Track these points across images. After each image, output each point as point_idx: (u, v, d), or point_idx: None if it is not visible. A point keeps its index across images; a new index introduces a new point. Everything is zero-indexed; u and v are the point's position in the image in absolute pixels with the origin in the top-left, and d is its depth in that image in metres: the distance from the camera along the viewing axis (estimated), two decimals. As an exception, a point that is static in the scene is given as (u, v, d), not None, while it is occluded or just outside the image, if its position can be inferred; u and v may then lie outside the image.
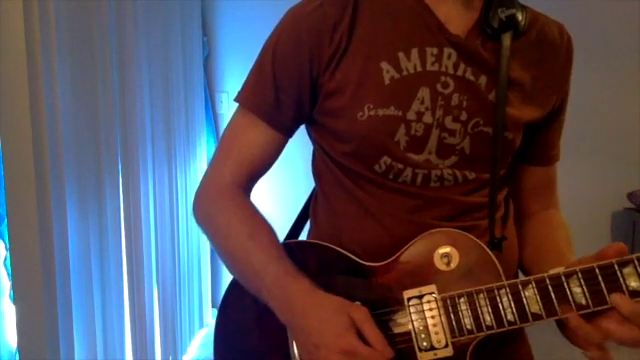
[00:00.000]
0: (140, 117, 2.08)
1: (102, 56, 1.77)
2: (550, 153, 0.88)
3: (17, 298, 1.40)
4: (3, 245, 1.44)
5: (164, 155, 2.38)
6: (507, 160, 0.80)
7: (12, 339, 1.44)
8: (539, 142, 0.86)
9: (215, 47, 3.13)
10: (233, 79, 3.09)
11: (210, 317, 3.12)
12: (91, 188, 1.72)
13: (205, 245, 3.06)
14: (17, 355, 1.42)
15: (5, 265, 1.45)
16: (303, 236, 0.92)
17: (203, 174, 0.87)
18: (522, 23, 0.77)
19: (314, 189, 0.90)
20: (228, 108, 3.12)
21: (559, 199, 0.91)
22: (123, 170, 1.95)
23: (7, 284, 1.46)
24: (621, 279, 0.61)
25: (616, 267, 0.62)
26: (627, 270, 0.61)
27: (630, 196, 3.01)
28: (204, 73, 3.08)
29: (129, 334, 2.01)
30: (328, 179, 0.83)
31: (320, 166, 0.85)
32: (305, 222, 0.93)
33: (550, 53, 0.82)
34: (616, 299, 0.61)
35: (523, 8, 0.80)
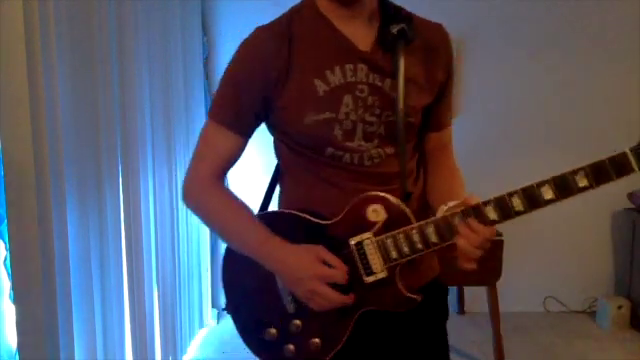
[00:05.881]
0: (140, 117, 2.08)
1: (102, 56, 1.77)
2: (441, 121, 1.16)
3: (17, 298, 1.40)
4: (3, 245, 1.44)
5: (164, 155, 2.39)
6: (412, 136, 1.09)
7: (12, 339, 1.44)
8: (433, 115, 1.13)
9: (215, 47, 3.13)
10: (233, 79, 3.09)
11: (210, 317, 3.12)
12: (91, 188, 1.72)
13: (205, 245, 3.06)
14: (17, 355, 1.42)
15: (5, 265, 1.45)
16: (274, 201, 1.20)
17: (186, 168, 1.12)
18: (410, 33, 1.02)
19: (277, 164, 1.17)
20: (228, 108, 3.12)
21: (453, 151, 1.22)
22: (123, 170, 1.95)
23: (7, 284, 1.46)
24: (484, 214, 0.95)
25: (482, 207, 0.95)
26: (487, 208, 0.95)
27: (630, 196, 3.01)
28: (204, 74, 3.08)
29: (129, 334, 2.01)
30: (288, 158, 1.10)
31: (281, 149, 1.11)
32: (274, 190, 1.20)
33: (433, 49, 1.08)
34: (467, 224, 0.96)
35: (409, 17, 1.04)
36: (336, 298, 0.98)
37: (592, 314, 3.17)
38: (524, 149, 3.17)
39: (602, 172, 0.89)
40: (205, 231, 3.04)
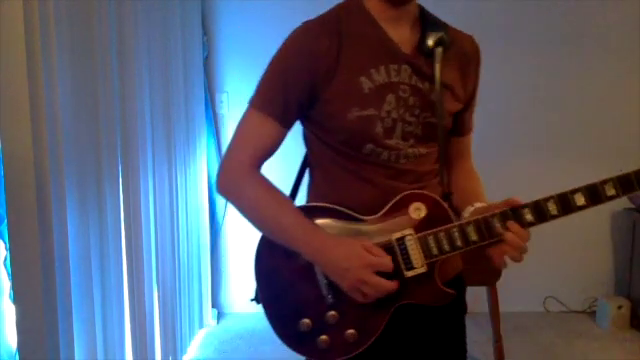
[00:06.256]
0: (140, 117, 2.08)
1: (102, 56, 1.77)
2: (466, 127, 1.24)
3: (17, 298, 1.40)
4: (3, 245, 1.44)
5: (164, 155, 2.38)
6: (445, 138, 1.15)
7: (12, 339, 1.44)
8: (459, 121, 1.19)
9: (215, 47, 3.12)
10: (233, 79, 3.08)
11: (210, 317, 3.12)
12: (91, 188, 1.72)
13: (205, 245, 3.06)
14: (17, 355, 1.42)
15: (5, 265, 1.45)
16: (301, 192, 1.22)
17: (223, 156, 1.14)
18: (447, 42, 1.08)
19: (306, 154, 1.19)
20: (228, 108, 3.12)
21: (472, 154, 1.30)
22: (123, 170, 1.95)
23: (7, 284, 1.46)
24: (522, 216, 1.03)
25: (520, 209, 1.02)
26: (524, 211, 1.02)
27: (630, 196, 3.01)
28: (204, 73, 3.08)
29: (129, 334, 2.01)
30: (321, 152, 1.13)
31: (313, 142, 1.14)
32: (301, 181, 1.24)
33: (466, 59, 1.15)
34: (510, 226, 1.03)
35: (445, 27, 1.10)
36: (387, 285, 1.01)
37: (592, 314, 3.17)
38: (524, 149, 3.17)
39: (628, 183, 1.01)
40: (205, 231, 3.05)
